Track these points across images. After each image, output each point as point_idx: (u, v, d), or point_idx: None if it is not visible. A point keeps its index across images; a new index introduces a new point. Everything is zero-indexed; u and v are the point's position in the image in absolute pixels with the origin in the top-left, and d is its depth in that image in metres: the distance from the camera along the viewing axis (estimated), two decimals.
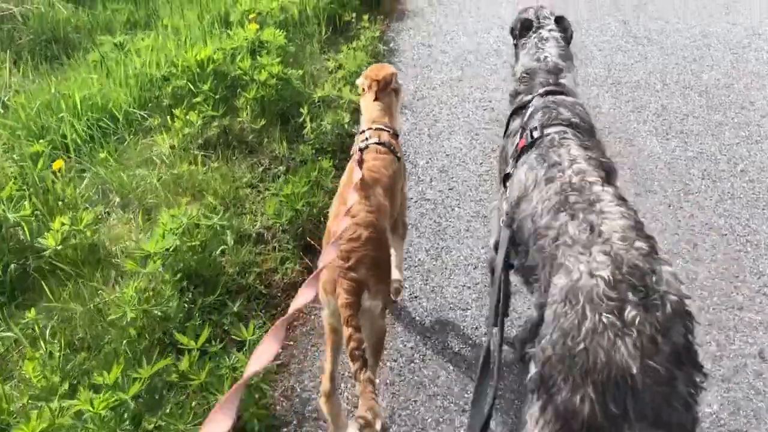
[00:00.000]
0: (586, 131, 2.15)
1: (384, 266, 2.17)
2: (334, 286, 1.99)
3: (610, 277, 1.51)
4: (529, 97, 2.34)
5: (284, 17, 5.46)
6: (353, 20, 5.57)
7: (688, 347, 1.50)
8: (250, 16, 4.94)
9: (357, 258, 2.00)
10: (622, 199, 1.79)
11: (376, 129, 2.56)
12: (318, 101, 4.28)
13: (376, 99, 2.68)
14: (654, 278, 1.52)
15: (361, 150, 2.44)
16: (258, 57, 4.44)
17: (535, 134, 2.11)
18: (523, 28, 2.63)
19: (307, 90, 4.40)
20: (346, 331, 1.89)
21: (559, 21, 2.63)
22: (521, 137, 2.19)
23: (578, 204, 1.76)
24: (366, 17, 5.59)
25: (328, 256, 1.62)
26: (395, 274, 2.80)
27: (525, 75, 2.46)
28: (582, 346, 1.46)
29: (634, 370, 1.40)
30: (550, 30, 2.57)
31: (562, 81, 2.39)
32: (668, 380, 1.44)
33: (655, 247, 1.62)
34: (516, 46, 2.70)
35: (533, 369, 1.62)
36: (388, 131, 2.59)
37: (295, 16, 5.52)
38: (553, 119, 2.15)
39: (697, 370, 1.51)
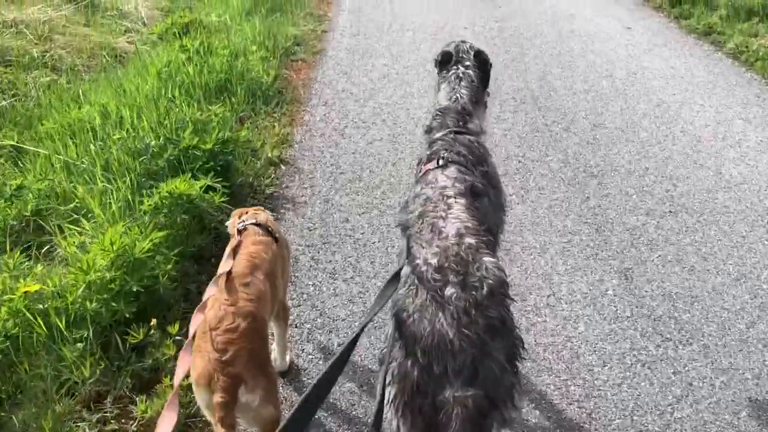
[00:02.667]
0: (472, 162, 2.41)
1: (263, 357, 2.08)
2: (209, 380, 1.91)
3: (437, 264, 1.82)
4: (440, 134, 2.56)
5: (14, 335, 2.80)
6: (154, 332, 2.96)
7: (503, 322, 1.77)
8: None
9: (234, 351, 1.92)
10: (470, 209, 2.11)
11: (254, 212, 2.61)
12: None
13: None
14: (476, 266, 1.81)
15: (239, 231, 2.40)
16: None
17: (441, 162, 2.36)
18: (443, 61, 2.85)
19: None
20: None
21: (478, 55, 2.84)
22: (427, 162, 2.44)
23: (431, 212, 2.08)
24: (176, 326, 3.00)
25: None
26: (280, 361, 2.82)
27: (438, 113, 2.66)
28: (413, 318, 1.74)
29: (450, 335, 1.67)
30: (467, 67, 2.77)
31: (469, 126, 2.60)
32: (482, 347, 1.69)
33: (485, 244, 1.94)
34: (439, 75, 2.88)
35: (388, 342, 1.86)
36: (266, 212, 2.69)
37: (42, 333, 2.87)
38: (450, 151, 2.42)
39: (511, 341, 1.80)
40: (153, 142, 4.21)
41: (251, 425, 2.10)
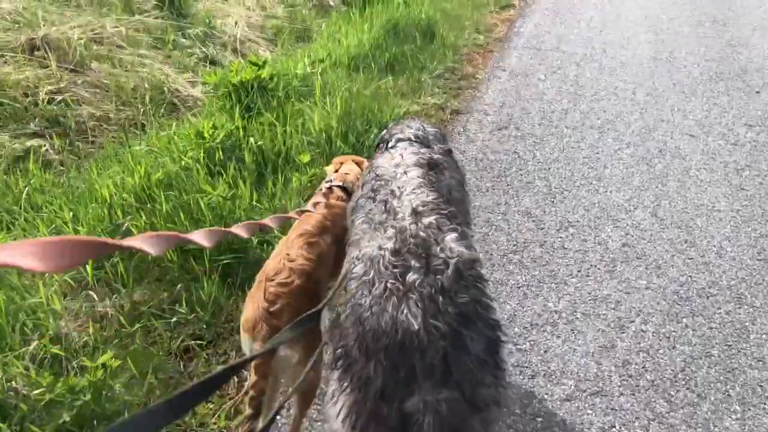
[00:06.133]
0: (430, 140, 2.29)
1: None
2: (254, 327, 1.91)
3: (395, 248, 1.58)
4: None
5: None
6: None
7: (476, 306, 1.52)
8: None
9: (282, 305, 1.92)
10: (427, 180, 1.91)
11: (345, 174, 2.56)
12: None
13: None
14: (438, 247, 1.58)
15: (329, 189, 2.41)
16: None
17: (391, 144, 2.26)
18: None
19: None
20: (252, 378, 1.83)
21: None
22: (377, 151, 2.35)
23: (383, 190, 1.87)
24: None
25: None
26: None
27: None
28: (370, 312, 1.48)
29: (415, 327, 1.42)
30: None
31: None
32: (454, 338, 1.45)
33: (447, 219, 1.71)
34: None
35: (335, 343, 1.59)
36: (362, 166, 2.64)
37: None
38: (402, 136, 2.30)
39: (489, 328, 1.52)
40: None
41: (290, 384, 2.01)
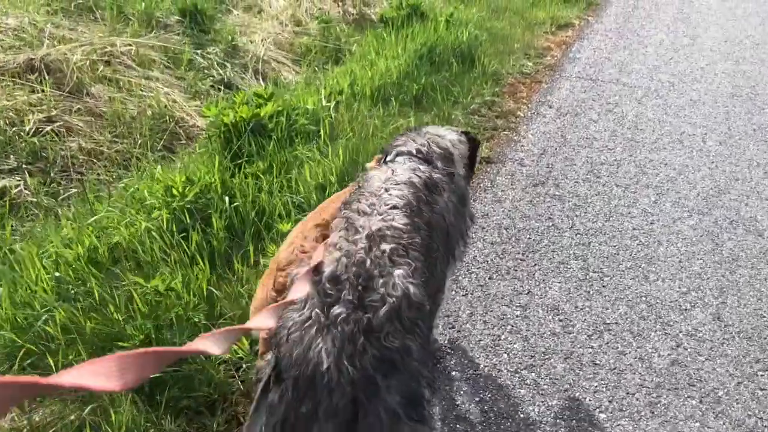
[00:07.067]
0: (434, 157, 2.11)
1: None
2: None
3: (334, 274, 1.46)
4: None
5: None
6: None
7: (405, 355, 1.38)
8: None
9: None
10: (408, 202, 1.75)
11: None
12: None
13: None
14: (381, 280, 1.45)
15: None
16: None
17: (389, 157, 2.10)
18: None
19: None
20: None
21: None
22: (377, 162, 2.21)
23: (354, 205, 1.72)
24: None
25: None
26: None
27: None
28: (291, 337, 1.38)
29: (325, 366, 1.31)
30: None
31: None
32: (367, 385, 1.33)
33: (406, 251, 1.56)
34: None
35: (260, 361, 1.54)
36: None
37: None
38: (403, 149, 2.12)
39: (413, 381, 1.39)
40: None
41: None
